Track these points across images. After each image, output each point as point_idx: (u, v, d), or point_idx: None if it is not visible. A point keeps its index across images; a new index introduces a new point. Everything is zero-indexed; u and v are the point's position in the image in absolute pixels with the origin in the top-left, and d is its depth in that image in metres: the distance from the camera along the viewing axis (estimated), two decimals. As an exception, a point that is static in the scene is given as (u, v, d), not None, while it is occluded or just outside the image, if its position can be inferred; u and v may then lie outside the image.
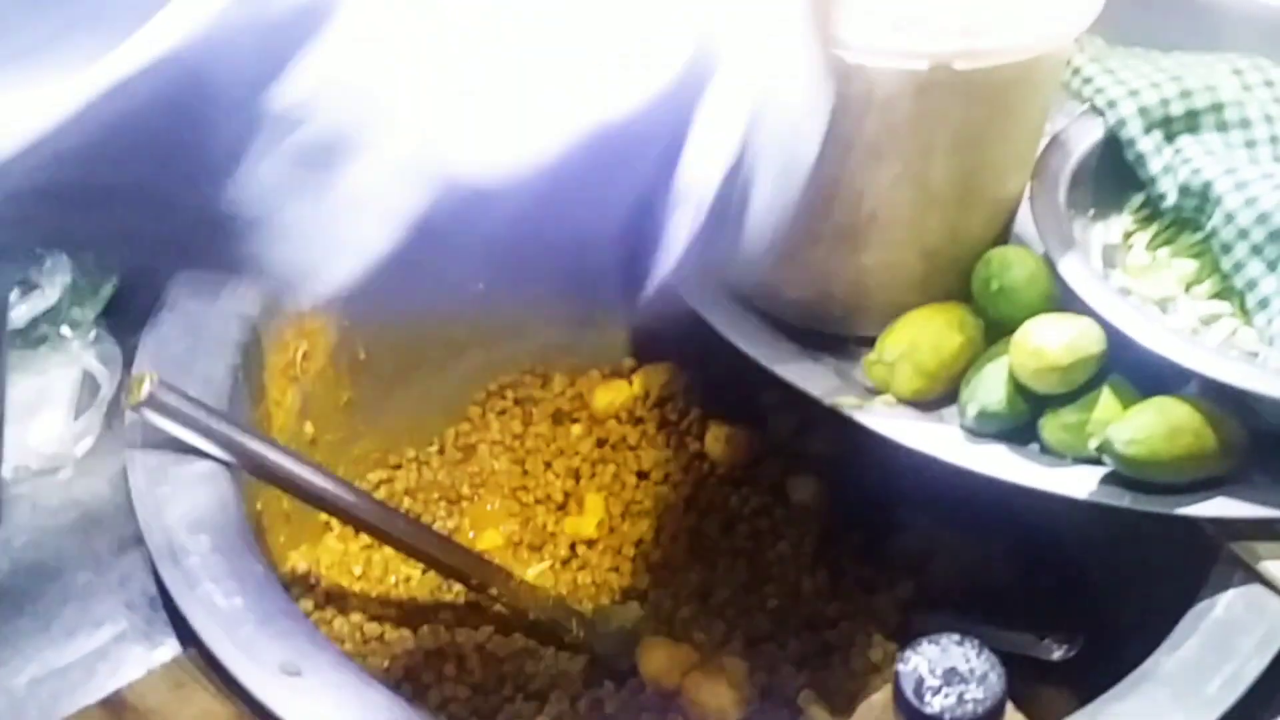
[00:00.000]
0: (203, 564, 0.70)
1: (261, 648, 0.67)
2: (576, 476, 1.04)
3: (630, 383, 1.10)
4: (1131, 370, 0.71)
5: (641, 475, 1.04)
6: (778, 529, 0.99)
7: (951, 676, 0.48)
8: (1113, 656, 0.71)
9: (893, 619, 0.93)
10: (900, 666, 0.49)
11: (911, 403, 0.75)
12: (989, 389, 0.72)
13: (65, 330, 0.81)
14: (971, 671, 0.48)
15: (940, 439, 0.72)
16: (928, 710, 0.47)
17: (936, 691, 0.47)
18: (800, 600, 0.95)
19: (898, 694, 0.48)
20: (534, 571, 0.98)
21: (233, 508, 0.73)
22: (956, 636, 0.48)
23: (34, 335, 0.80)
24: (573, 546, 1.00)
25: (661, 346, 1.10)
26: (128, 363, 0.80)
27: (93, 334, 0.82)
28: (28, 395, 0.78)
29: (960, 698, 0.47)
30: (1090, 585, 0.89)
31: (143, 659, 0.69)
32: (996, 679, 0.48)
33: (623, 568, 0.98)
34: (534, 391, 1.09)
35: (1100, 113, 0.81)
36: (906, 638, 0.91)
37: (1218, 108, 0.79)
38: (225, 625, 0.68)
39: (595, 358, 1.11)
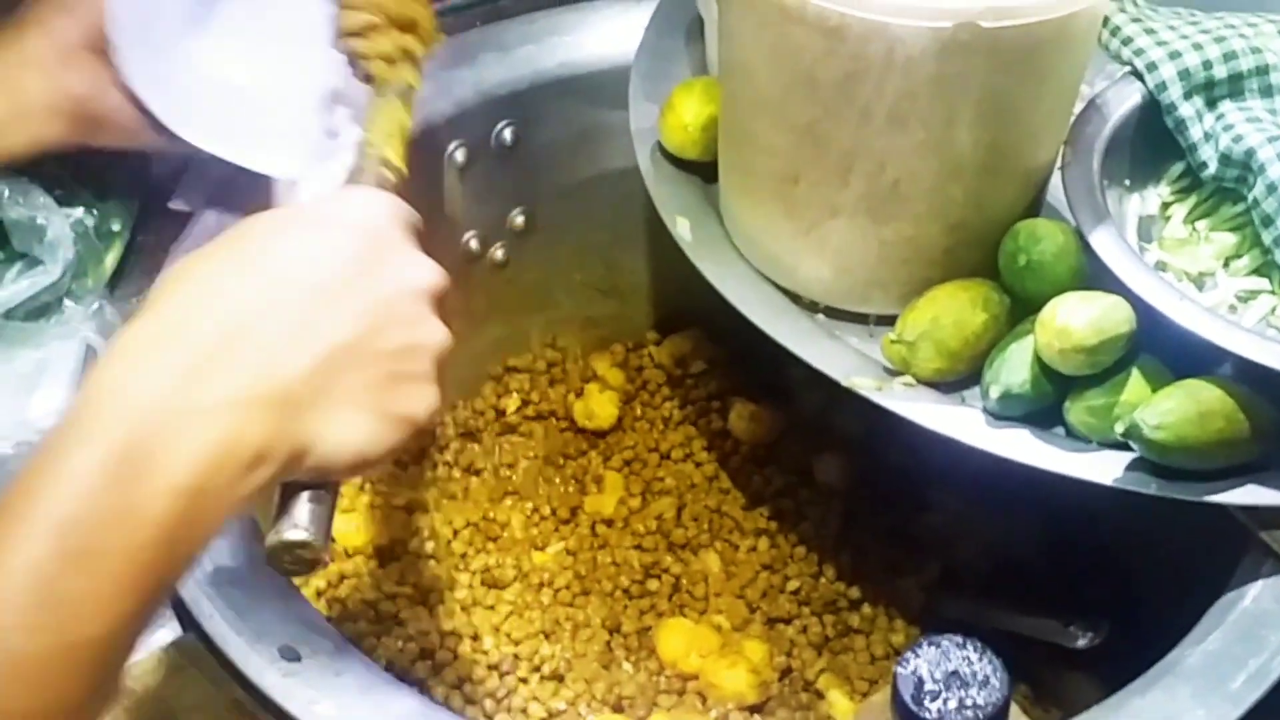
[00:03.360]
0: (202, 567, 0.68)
1: (261, 632, 0.65)
2: (596, 453, 1.02)
3: (653, 356, 1.08)
4: (1163, 350, 0.68)
5: (663, 456, 1.01)
6: (801, 509, 0.97)
7: (952, 680, 0.45)
8: (1139, 644, 0.68)
9: (916, 602, 0.91)
10: (899, 669, 0.46)
11: (932, 383, 0.71)
12: (1013, 370, 0.69)
13: (67, 302, 0.80)
14: (974, 675, 0.45)
15: (962, 422, 0.69)
16: (925, 715, 0.44)
17: (936, 696, 0.45)
18: (822, 582, 0.93)
19: (895, 697, 0.46)
20: (553, 550, 0.96)
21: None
22: (959, 638, 0.46)
23: (34, 307, 0.78)
24: (593, 526, 0.98)
25: (685, 319, 1.08)
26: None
27: (95, 305, 0.81)
28: (27, 368, 0.76)
29: (961, 703, 0.44)
30: (1118, 570, 0.86)
31: (141, 641, 0.68)
32: (1000, 683, 0.45)
33: (643, 547, 0.96)
34: (552, 365, 1.07)
35: (1139, 76, 0.77)
36: (930, 621, 0.90)
37: (1263, 71, 0.75)
38: (225, 609, 0.66)
39: (617, 331, 1.09)
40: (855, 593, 0.92)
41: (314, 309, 0.49)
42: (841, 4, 0.63)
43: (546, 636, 0.91)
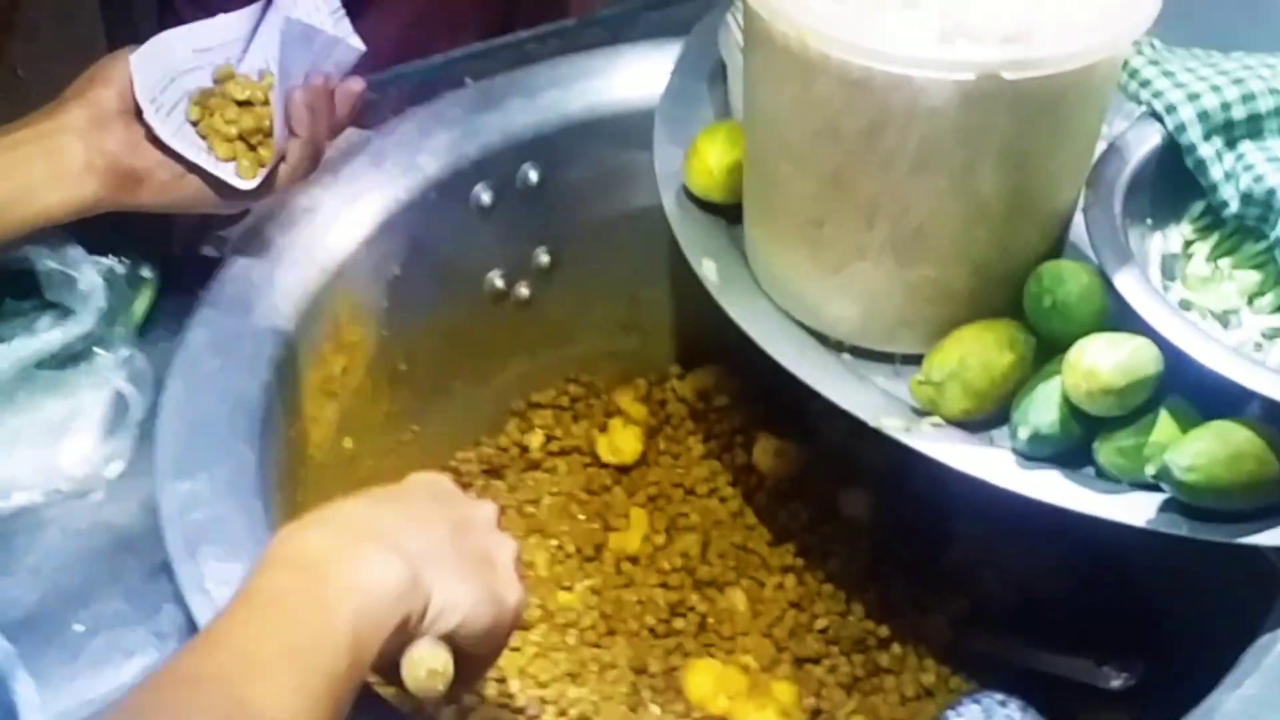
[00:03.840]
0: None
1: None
2: (620, 489, 1.02)
3: (675, 390, 1.08)
4: (1191, 390, 0.68)
5: (688, 491, 1.01)
6: (827, 545, 0.97)
7: (993, 738, 0.45)
8: (1173, 686, 0.68)
9: (944, 639, 0.90)
10: (941, 727, 0.46)
11: (960, 423, 0.72)
12: (1041, 410, 0.69)
13: (97, 350, 0.80)
14: (1015, 733, 0.45)
15: (991, 462, 0.70)
16: (966, 774, 0.44)
17: (978, 754, 0.45)
18: (850, 620, 0.93)
19: (937, 754, 0.46)
20: (578, 589, 0.96)
21: (265, 535, 0.72)
22: (1000, 696, 0.46)
23: (64, 355, 0.79)
24: (618, 564, 0.98)
25: (707, 353, 1.08)
26: (159, 382, 0.79)
27: (125, 353, 0.81)
28: (58, 417, 0.77)
29: (1003, 762, 0.44)
30: (1151, 608, 0.85)
31: None
32: (1041, 742, 0.45)
33: (669, 584, 0.96)
34: (576, 401, 1.07)
35: (1158, 117, 0.77)
36: (958, 659, 0.90)
37: (1283, 111, 0.76)
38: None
39: (640, 365, 1.09)
40: (884, 631, 0.91)
41: (420, 521, 0.62)
42: (865, 57, 0.64)
43: (573, 679, 0.91)
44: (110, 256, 0.82)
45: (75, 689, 0.68)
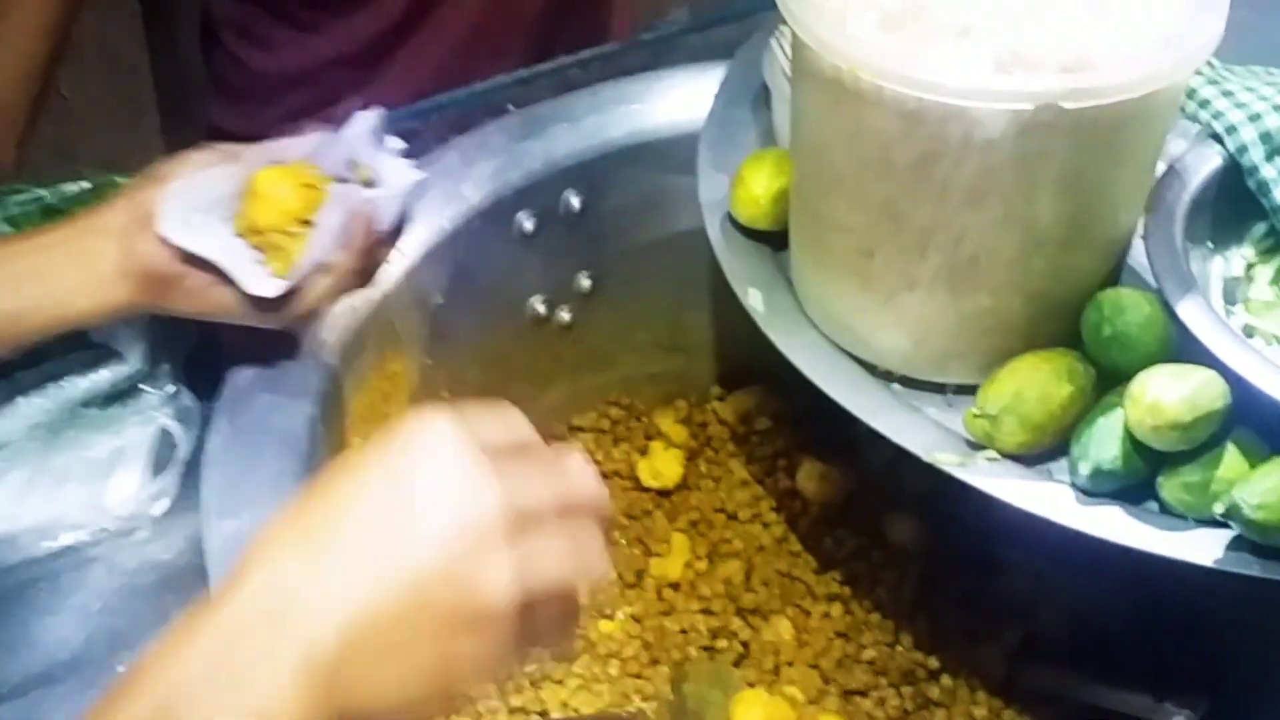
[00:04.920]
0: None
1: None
2: (661, 513, 1.01)
3: (716, 412, 1.07)
4: (1259, 423, 0.66)
5: (730, 516, 1.00)
6: (875, 572, 0.95)
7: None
8: (1236, 724, 0.66)
9: (998, 672, 0.89)
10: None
11: (1017, 457, 0.70)
12: (1102, 445, 0.67)
13: (143, 387, 0.80)
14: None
15: (1050, 498, 0.68)
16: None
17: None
18: (899, 650, 0.91)
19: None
20: (620, 618, 0.95)
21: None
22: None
23: (112, 392, 0.78)
24: (659, 591, 0.96)
25: (749, 375, 1.07)
26: (205, 419, 0.78)
27: (170, 389, 0.81)
28: (103, 455, 0.77)
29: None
30: (1216, 641, 0.83)
31: None
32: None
33: (711, 610, 0.95)
34: (616, 424, 1.06)
35: (1218, 139, 0.75)
36: (1012, 693, 0.88)
37: (1348, 132, 0.74)
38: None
39: (681, 387, 1.08)
40: (934, 662, 0.90)
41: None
42: (919, 88, 0.62)
43: (616, 710, 0.90)
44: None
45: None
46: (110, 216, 0.73)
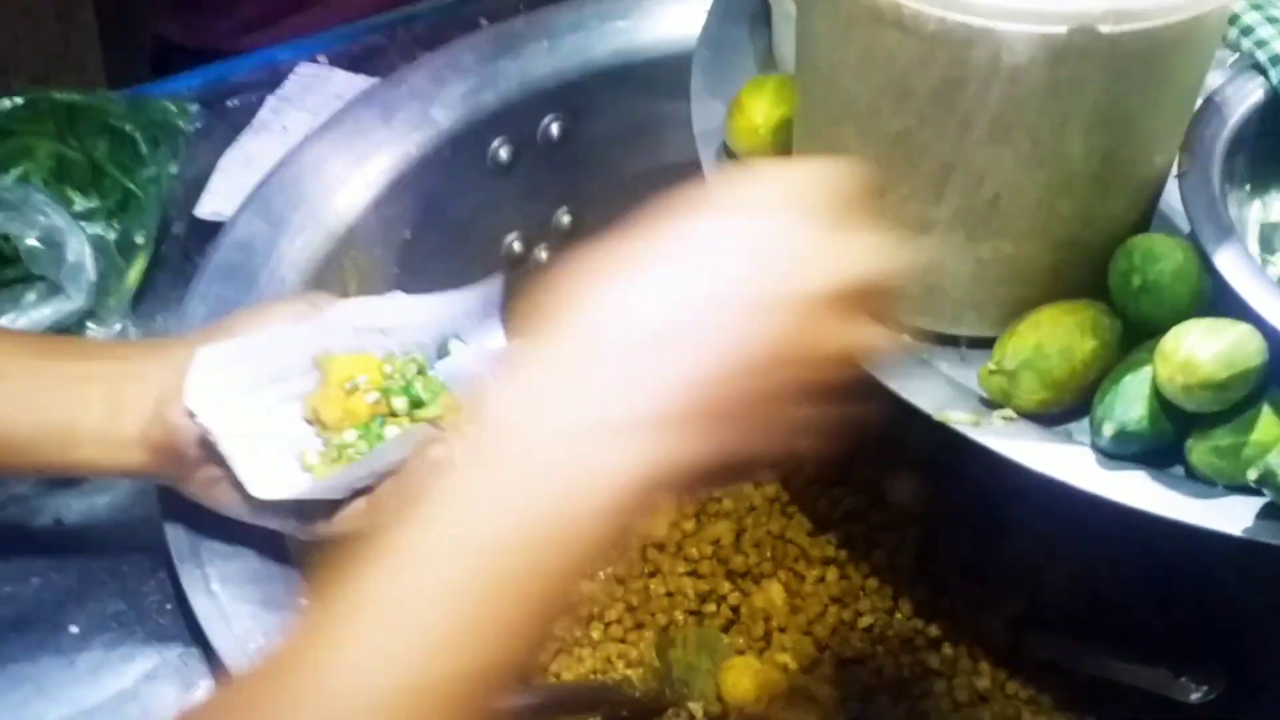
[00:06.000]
0: (240, 596, 0.64)
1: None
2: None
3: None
4: (1298, 384, 0.61)
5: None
6: (873, 535, 0.92)
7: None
8: (1258, 702, 0.62)
9: (1002, 641, 0.86)
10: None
11: (1035, 416, 0.65)
12: (1128, 404, 0.62)
13: (89, 324, 0.75)
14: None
15: (1070, 461, 0.64)
16: None
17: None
18: (898, 618, 0.88)
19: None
20: (603, 576, 0.91)
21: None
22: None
23: (54, 330, 0.73)
24: (644, 550, 0.92)
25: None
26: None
27: (118, 326, 0.77)
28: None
29: None
30: (1237, 612, 0.79)
31: (175, 701, 0.64)
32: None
33: (699, 573, 0.91)
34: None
35: (1261, 69, 0.70)
36: (1016, 664, 0.84)
37: (1403, 66, 0.68)
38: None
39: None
40: (934, 630, 0.87)
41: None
42: (941, 6, 0.57)
43: (599, 677, 0.86)
44: (100, 222, 0.76)
45: (72, 698, 0.64)
46: (158, 365, 0.64)
